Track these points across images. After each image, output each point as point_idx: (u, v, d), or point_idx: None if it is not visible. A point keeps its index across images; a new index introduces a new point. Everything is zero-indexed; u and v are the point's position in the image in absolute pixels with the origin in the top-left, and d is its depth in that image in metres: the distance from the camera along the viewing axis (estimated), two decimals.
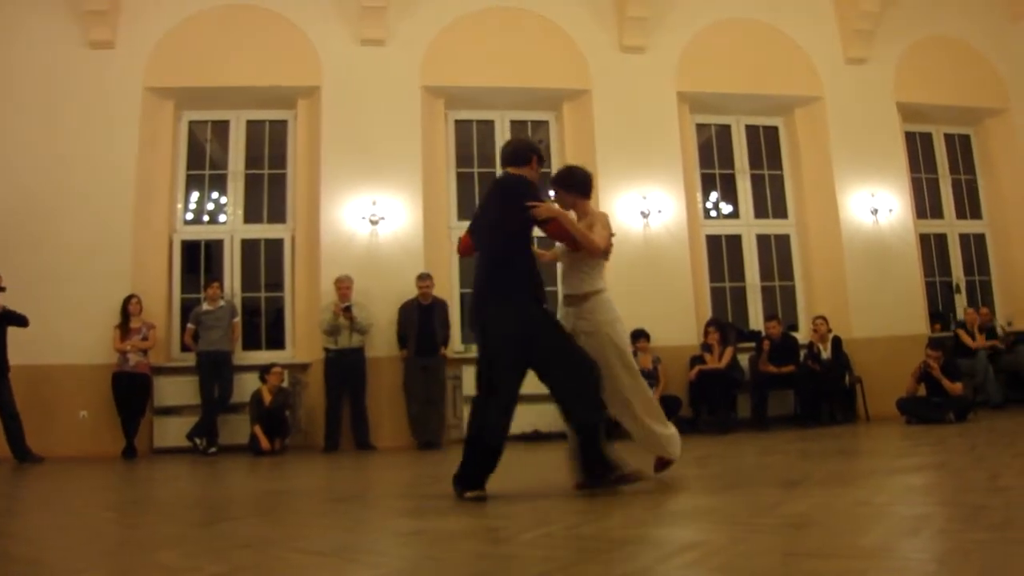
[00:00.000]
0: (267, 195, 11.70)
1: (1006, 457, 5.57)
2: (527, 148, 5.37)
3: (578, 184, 5.53)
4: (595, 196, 11.48)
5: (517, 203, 5.02)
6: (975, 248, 13.94)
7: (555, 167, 12.15)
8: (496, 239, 5.12)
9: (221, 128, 11.78)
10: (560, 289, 5.46)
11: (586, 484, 4.89)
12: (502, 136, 12.24)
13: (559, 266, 5.52)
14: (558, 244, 5.39)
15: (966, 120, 14.12)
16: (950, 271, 13.75)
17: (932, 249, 13.62)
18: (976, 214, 14.10)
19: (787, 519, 3.51)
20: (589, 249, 5.15)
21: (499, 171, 11.81)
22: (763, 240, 12.84)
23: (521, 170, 5.24)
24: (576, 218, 5.34)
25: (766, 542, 3.10)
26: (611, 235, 5.32)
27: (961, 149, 14.26)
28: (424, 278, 10.59)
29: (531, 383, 11.12)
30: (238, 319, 10.79)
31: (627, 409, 5.24)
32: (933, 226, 13.71)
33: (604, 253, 5.26)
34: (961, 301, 13.57)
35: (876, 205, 12.62)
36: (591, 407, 4.94)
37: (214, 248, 11.59)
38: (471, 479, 4.91)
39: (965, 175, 14.17)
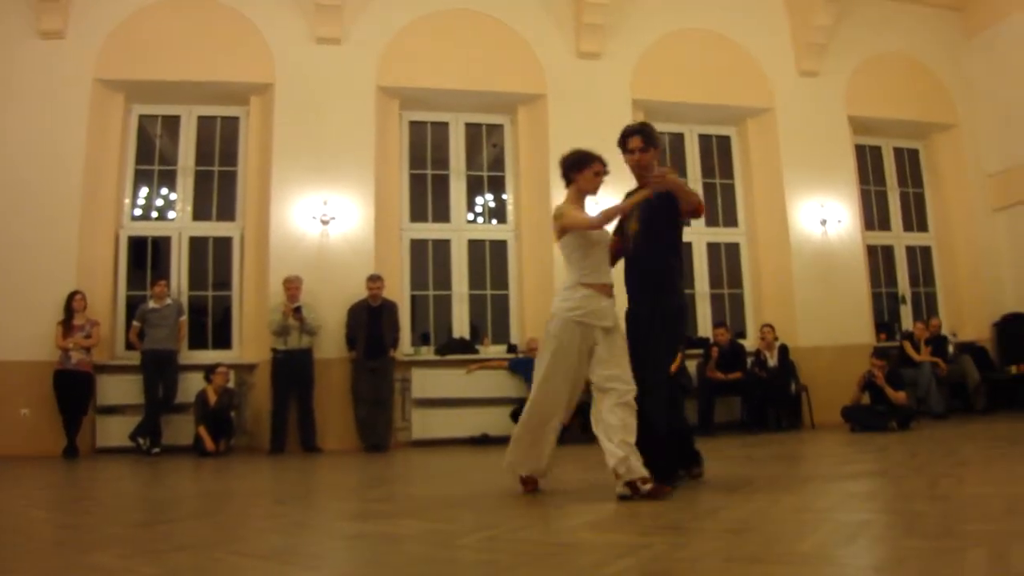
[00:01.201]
0: (217, 192, 11.56)
1: (945, 466, 5.64)
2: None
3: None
4: (547, 199, 11.60)
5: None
6: (921, 260, 14.17)
7: (510, 171, 12.23)
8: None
9: (172, 123, 11.61)
10: (594, 280, 5.20)
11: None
12: (456, 138, 12.24)
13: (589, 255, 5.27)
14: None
15: (915, 134, 14.35)
16: (896, 282, 13.96)
17: (879, 260, 13.83)
18: (923, 227, 14.33)
19: (728, 524, 3.53)
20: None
21: (456, 174, 11.89)
22: (713, 248, 12.93)
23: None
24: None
25: (706, 547, 3.11)
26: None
27: (910, 163, 14.48)
28: (374, 279, 10.52)
29: (480, 388, 11.14)
30: (184, 318, 10.65)
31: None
32: (880, 238, 13.92)
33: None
34: (907, 312, 13.77)
35: (825, 216, 12.78)
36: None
37: (162, 245, 11.41)
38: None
39: (913, 188, 14.40)
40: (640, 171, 5.41)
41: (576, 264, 5.16)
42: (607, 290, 5.13)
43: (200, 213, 11.49)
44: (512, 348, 11.67)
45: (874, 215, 13.97)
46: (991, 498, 3.86)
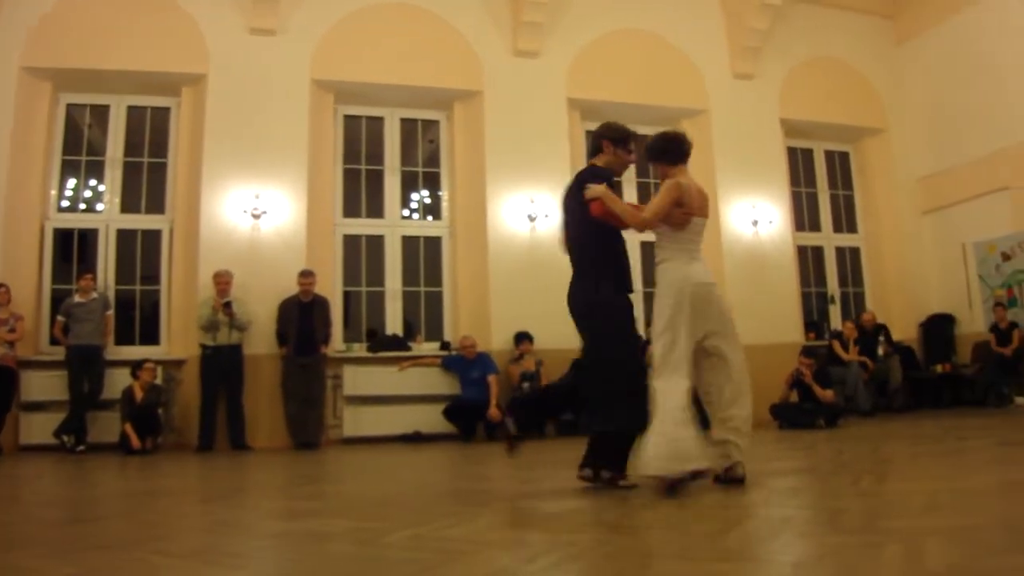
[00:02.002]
0: (146, 184, 11.32)
1: (869, 463, 5.73)
2: (597, 135, 5.37)
3: (661, 152, 5.25)
4: (483, 197, 11.57)
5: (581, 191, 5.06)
6: (850, 261, 14.43)
7: (445, 167, 12.20)
8: (581, 230, 5.14)
9: (100, 113, 11.35)
10: (689, 256, 5.08)
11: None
12: (391, 133, 12.17)
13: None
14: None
15: (846, 138, 14.61)
16: (826, 282, 14.19)
17: (809, 261, 14.06)
18: (852, 228, 14.60)
19: (653, 521, 3.55)
20: (631, 224, 5.00)
21: (390, 169, 11.83)
22: (646, 247, 12.97)
23: (597, 160, 5.30)
24: None
25: (629, 544, 3.13)
26: (671, 201, 4.96)
27: (840, 166, 14.74)
28: (306, 275, 10.42)
29: (413, 385, 11.11)
30: (111, 312, 10.41)
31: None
32: (811, 239, 14.15)
33: (649, 224, 4.99)
34: (836, 312, 14.01)
35: (757, 216, 12.95)
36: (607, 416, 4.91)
37: (89, 237, 11.16)
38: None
39: (843, 191, 14.66)
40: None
41: (662, 242, 5.14)
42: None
43: (129, 205, 11.25)
44: (445, 345, 11.63)
45: (804, 216, 14.20)
46: (912, 494, 3.93)
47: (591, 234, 5.09)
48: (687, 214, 4.97)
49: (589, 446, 4.93)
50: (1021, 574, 2.26)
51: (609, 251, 5.11)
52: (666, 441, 4.42)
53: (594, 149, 5.35)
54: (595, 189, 4.95)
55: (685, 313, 4.83)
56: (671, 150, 5.23)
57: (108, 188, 11.20)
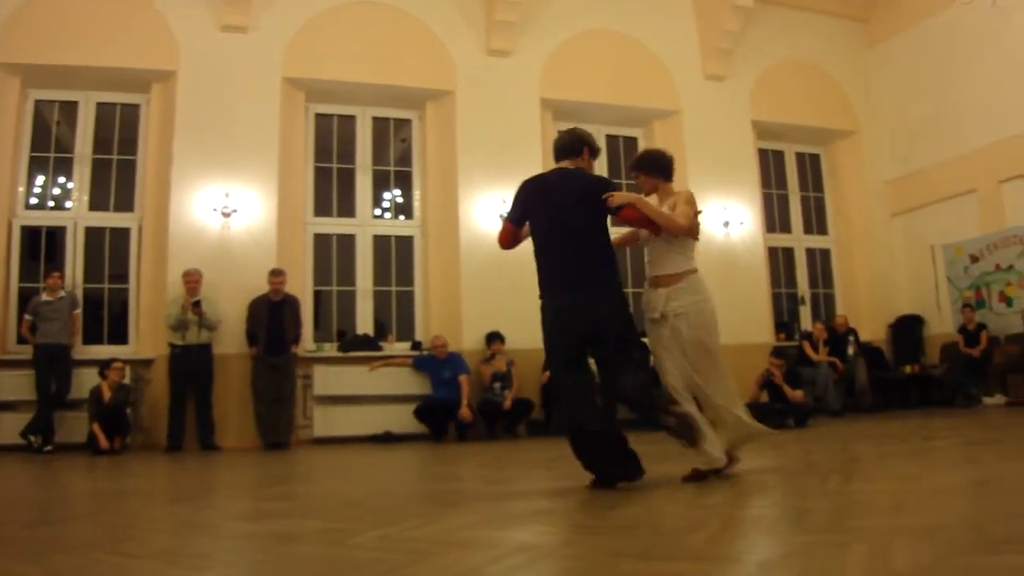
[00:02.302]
0: (115, 182, 11.23)
1: (836, 462, 5.77)
2: (580, 140, 5.30)
3: (660, 167, 5.40)
4: (454, 196, 11.56)
5: (596, 195, 4.99)
6: (820, 262, 14.52)
7: (417, 167, 12.18)
8: (588, 233, 5.04)
9: (69, 109, 11.24)
10: (647, 274, 5.29)
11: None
12: (363, 131, 12.14)
13: (646, 251, 5.37)
14: (644, 232, 5.21)
15: (817, 140, 14.71)
16: (796, 284, 14.27)
17: (780, 262, 14.15)
18: (822, 230, 14.70)
19: (620, 521, 3.55)
20: (671, 230, 5.01)
21: (362, 168, 11.73)
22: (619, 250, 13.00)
23: (572, 162, 5.21)
24: (658, 201, 5.23)
25: (595, 544, 3.12)
26: (696, 212, 5.17)
27: (811, 167, 14.84)
28: (277, 274, 10.37)
29: (384, 385, 11.06)
30: (79, 311, 10.32)
31: (701, 392, 5.05)
32: (781, 240, 14.24)
33: (691, 231, 5.12)
34: (806, 313, 14.10)
35: (728, 218, 13.02)
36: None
37: (57, 235, 11.06)
38: None
39: (814, 193, 14.76)
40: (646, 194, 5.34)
41: (689, 252, 5.21)
42: (654, 281, 5.19)
43: (97, 203, 11.14)
44: (417, 345, 11.61)
45: (775, 218, 14.29)
46: (879, 494, 3.95)
47: (596, 238, 5.08)
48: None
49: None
50: (986, 573, 2.27)
51: (614, 255, 5.12)
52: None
53: (571, 151, 5.28)
54: (626, 195, 5.01)
55: None
56: (668, 167, 5.43)
57: (77, 185, 11.09)
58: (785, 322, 13.95)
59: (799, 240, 14.47)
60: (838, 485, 4.45)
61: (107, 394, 9.59)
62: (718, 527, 3.33)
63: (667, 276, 5.11)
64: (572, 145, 5.27)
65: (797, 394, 10.31)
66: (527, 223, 5.16)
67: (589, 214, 5.02)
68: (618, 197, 4.98)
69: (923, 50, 13.86)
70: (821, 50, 14.46)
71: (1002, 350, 12.03)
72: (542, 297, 5.03)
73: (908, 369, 13.39)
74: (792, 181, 14.64)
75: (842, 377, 12.35)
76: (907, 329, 13.97)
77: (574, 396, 4.85)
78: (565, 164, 5.23)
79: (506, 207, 11.51)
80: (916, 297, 14.07)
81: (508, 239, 5.25)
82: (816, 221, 14.73)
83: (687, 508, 3.95)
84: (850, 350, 12.64)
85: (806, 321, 13.99)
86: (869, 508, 3.61)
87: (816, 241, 14.64)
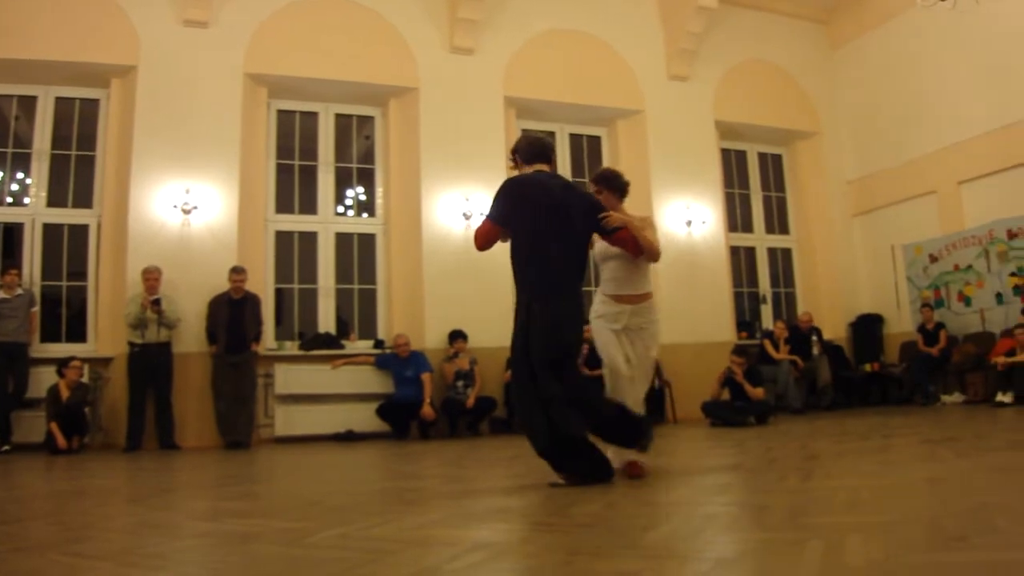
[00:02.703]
0: (74, 178, 11.09)
1: (795, 460, 5.80)
2: (550, 147, 5.35)
3: (619, 187, 5.61)
4: (417, 194, 11.54)
5: (594, 212, 5.14)
6: (782, 262, 14.64)
7: (380, 164, 12.14)
8: (578, 246, 5.14)
9: (28, 103, 11.06)
10: (608, 289, 5.48)
11: None
12: (326, 128, 12.09)
13: (604, 268, 5.53)
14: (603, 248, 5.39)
15: (779, 141, 14.83)
16: (758, 282, 14.38)
17: (741, 261, 14.25)
18: (784, 230, 14.83)
19: (578, 519, 3.55)
20: (651, 255, 5.33)
21: (324, 165, 11.65)
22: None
23: (544, 167, 5.22)
24: None
25: (553, 541, 3.12)
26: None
27: (773, 168, 14.95)
28: (237, 271, 10.29)
29: (346, 383, 11.00)
30: (36, 309, 10.18)
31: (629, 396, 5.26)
32: (743, 239, 14.36)
33: (658, 257, 5.43)
34: (767, 311, 14.20)
35: (690, 217, 13.09)
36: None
37: (14, 231, 10.90)
38: None
39: (775, 192, 14.88)
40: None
41: (650, 274, 5.59)
42: (619, 299, 5.42)
43: (55, 199, 10.98)
44: (379, 344, 11.57)
45: (737, 217, 14.40)
46: (836, 491, 3.97)
47: (582, 254, 5.18)
48: None
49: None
50: (939, 569, 2.29)
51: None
52: None
53: (548, 157, 5.27)
54: (620, 217, 5.19)
55: None
56: (625, 189, 5.66)
57: (35, 181, 10.93)
58: (747, 321, 14.06)
59: (761, 239, 14.58)
60: (796, 482, 4.47)
61: (65, 393, 9.46)
62: (676, 524, 3.34)
63: (634, 296, 5.42)
64: (549, 151, 5.30)
65: (758, 392, 10.37)
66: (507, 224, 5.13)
67: (587, 227, 5.14)
68: (615, 219, 5.12)
69: (884, 52, 14.03)
70: (784, 52, 14.59)
71: (960, 349, 12.16)
72: (537, 299, 4.97)
73: (868, 367, 13.54)
74: (754, 181, 14.75)
75: (804, 375, 12.44)
76: (867, 328, 14.12)
77: (558, 402, 4.83)
78: (543, 167, 5.22)
79: (470, 205, 11.63)
80: (876, 296, 14.23)
81: (490, 239, 5.16)
82: (778, 221, 14.86)
83: (645, 505, 3.96)
84: (815, 349, 12.73)
85: (767, 320, 14.10)
86: (826, 505, 3.63)
87: (778, 240, 14.76)
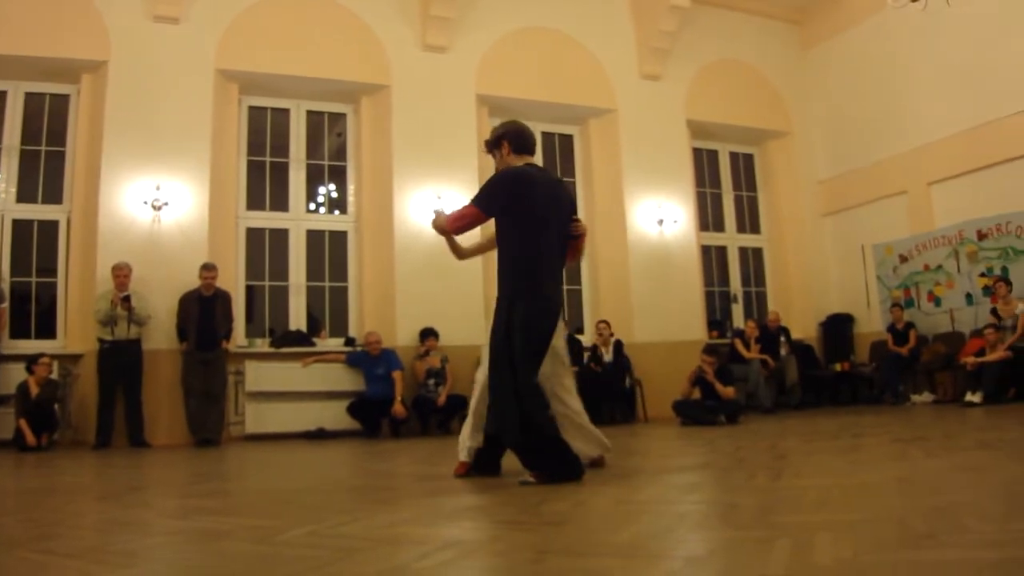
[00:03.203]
0: (43, 173, 10.98)
1: (765, 458, 5.83)
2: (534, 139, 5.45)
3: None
4: (389, 192, 11.50)
5: (572, 213, 5.25)
6: (753, 261, 14.72)
7: (352, 162, 12.10)
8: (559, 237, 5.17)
9: None
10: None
11: None
12: (297, 125, 12.05)
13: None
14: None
15: (751, 140, 14.91)
16: (729, 282, 14.45)
17: (713, 260, 14.34)
18: (755, 229, 14.92)
19: (548, 517, 3.56)
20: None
21: (296, 162, 11.62)
22: None
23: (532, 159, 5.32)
24: None
25: (522, 540, 3.13)
26: None
27: (744, 167, 15.03)
28: (208, 268, 10.22)
29: (317, 381, 10.94)
30: (5, 305, 10.08)
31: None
32: (715, 238, 14.43)
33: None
34: (738, 311, 14.27)
35: (662, 216, 13.13)
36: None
37: None
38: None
39: (747, 192, 14.95)
40: None
41: None
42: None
43: (25, 195, 10.88)
44: (350, 341, 11.54)
45: (709, 216, 14.47)
46: (805, 490, 4.00)
47: (564, 250, 5.26)
48: None
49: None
50: (908, 568, 2.31)
51: None
52: None
53: (531, 148, 5.32)
54: (584, 227, 5.38)
55: None
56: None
57: (4, 177, 10.80)
58: (718, 320, 14.13)
59: (732, 239, 14.66)
60: (766, 481, 4.50)
61: (34, 390, 9.39)
62: (646, 522, 3.36)
63: None
64: (534, 144, 5.38)
65: (728, 391, 10.42)
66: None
67: (568, 224, 5.20)
68: (581, 227, 5.27)
69: (856, 53, 14.13)
70: (756, 51, 14.66)
71: (930, 349, 12.28)
72: (526, 290, 5.01)
73: (838, 367, 13.63)
74: (726, 180, 14.83)
75: (773, 374, 12.52)
76: (837, 327, 14.23)
77: (539, 396, 4.83)
78: (530, 159, 5.27)
79: (441, 203, 11.59)
80: (846, 296, 14.33)
81: (468, 225, 5.20)
82: (749, 220, 14.94)
83: (615, 504, 3.97)
84: (782, 350, 12.81)
85: (738, 319, 14.18)
86: (795, 504, 3.65)
87: (749, 240, 14.84)
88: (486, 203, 5.11)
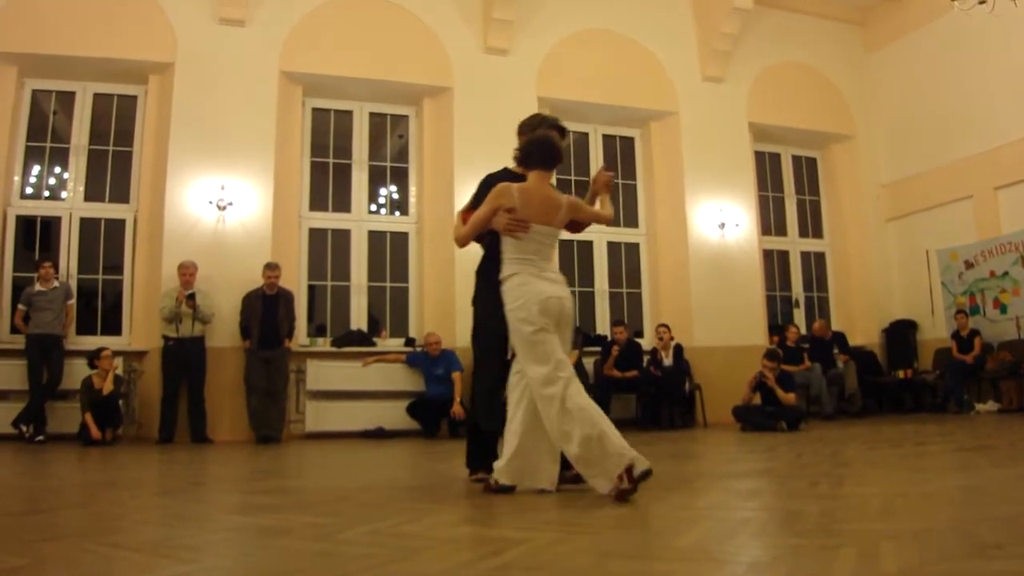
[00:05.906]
0: (111, 173, 11.20)
1: (827, 466, 5.76)
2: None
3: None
4: (450, 193, 11.51)
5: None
6: (815, 266, 14.54)
7: (413, 163, 12.15)
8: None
9: (67, 99, 11.19)
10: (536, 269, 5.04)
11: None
12: (360, 127, 12.13)
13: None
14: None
15: (814, 144, 14.74)
16: (790, 287, 14.28)
17: (775, 264, 14.16)
18: (818, 234, 14.72)
19: (609, 521, 3.55)
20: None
21: (358, 163, 11.69)
22: (614, 248, 13.06)
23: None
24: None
25: (585, 542, 3.12)
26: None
27: (807, 171, 14.85)
28: (271, 268, 10.34)
29: (377, 381, 10.99)
30: (72, 301, 10.30)
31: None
32: (777, 243, 14.26)
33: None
34: (800, 316, 14.10)
35: (724, 219, 13.02)
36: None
37: (52, 225, 11.03)
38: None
39: (810, 196, 14.77)
40: None
41: None
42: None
43: (92, 194, 11.12)
44: (410, 342, 11.58)
45: (771, 220, 14.31)
46: (869, 498, 3.95)
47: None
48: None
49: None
50: None
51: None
52: None
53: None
54: None
55: None
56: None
57: (72, 176, 11.06)
58: (779, 325, 13.96)
59: (794, 243, 14.49)
60: (828, 488, 4.45)
61: (98, 384, 9.56)
62: (707, 528, 3.34)
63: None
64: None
65: (789, 397, 10.30)
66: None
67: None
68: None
69: (921, 55, 13.90)
70: (819, 53, 14.48)
71: (995, 357, 12.05)
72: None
73: (901, 374, 13.41)
74: (788, 184, 14.66)
75: (831, 382, 12.36)
76: (900, 334, 14.00)
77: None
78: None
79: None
80: (910, 302, 14.10)
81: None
82: (812, 224, 14.75)
83: (678, 509, 3.94)
84: (839, 362, 12.68)
85: (801, 324, 13.99)
86: (859, 512, 3.61)
87: (811, 244, 14.66)
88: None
